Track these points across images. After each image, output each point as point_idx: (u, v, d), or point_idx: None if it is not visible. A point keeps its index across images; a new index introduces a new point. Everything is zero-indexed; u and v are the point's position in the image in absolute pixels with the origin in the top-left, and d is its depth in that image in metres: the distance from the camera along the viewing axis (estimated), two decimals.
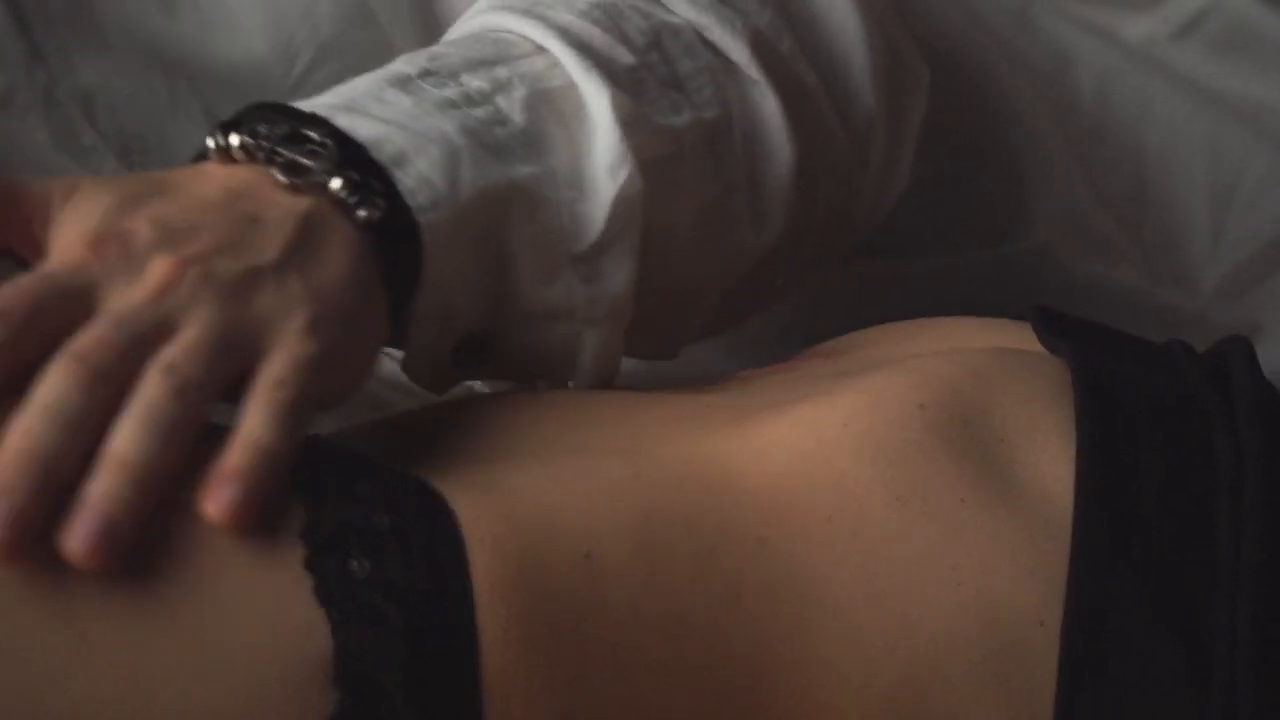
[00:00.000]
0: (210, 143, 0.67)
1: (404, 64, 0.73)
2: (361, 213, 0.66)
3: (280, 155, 0.66)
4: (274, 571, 0.55)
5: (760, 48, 0.80)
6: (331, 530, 0.56)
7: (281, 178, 0.66)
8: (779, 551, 0.61)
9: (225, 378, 0.60)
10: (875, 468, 0.62)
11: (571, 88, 0.74)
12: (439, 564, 0.56)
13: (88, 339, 0.58)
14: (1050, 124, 1.03)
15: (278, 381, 0.60)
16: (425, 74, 0.72)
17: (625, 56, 0.75)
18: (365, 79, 0.72)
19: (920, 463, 0.63)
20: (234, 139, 0.67)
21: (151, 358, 0.59)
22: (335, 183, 0.66)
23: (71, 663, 0.52)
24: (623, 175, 0.73)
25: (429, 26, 0.90)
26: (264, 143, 0.67)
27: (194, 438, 0.57)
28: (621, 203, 0.72)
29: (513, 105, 0.72)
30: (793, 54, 0.81)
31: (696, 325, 0.83)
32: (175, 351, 0.59)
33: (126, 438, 0.57)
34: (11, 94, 0.82)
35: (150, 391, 0.58)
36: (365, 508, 0.57)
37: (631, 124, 0.73)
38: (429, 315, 0.69)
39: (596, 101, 0.73)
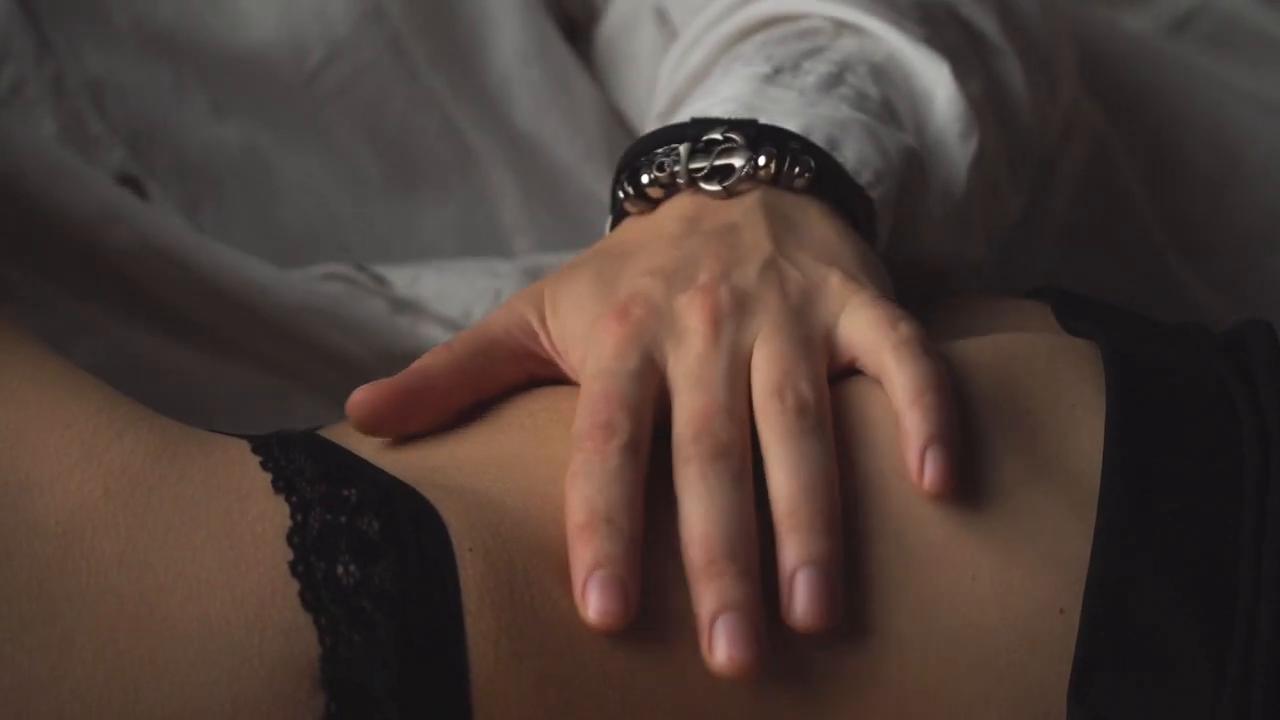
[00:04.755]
0: (620, 194, 0.68)
1: (747, 67, 0.73)
2: (798, 176, 0.67)
3: (698, 171, 0.67)
4: (259, 575, 0.55)
5: (1005, 18, 0.81)
6: (317, 534, 0.56)
7: (713, 187, 0.67)
8: None
9: (822, 365, 0.61)
10: (891, 459, 0.61)
11: (890, 59, 0.75)
12: (429, 570, 0.56)
13: (693, 417, 0.59)
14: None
15: (891, 321, 0.62)
16: (777, 71, 0.73)
17: (916, 29, 0.76)
18: (726, 83, 0.73)
19: None
20: (644, 178, 0.68)
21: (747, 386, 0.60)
22: (761, 160, 0.67)
23: (57, 666, 0.52)
24: (973, 143, 0.75)
25: (441, 27, 0.90)
26: (674, 169, 0.68)
27: (831, 443, 0.59)
28: (976, 167, 0.74)
29: (863, 82, 0.73)
30: (1025, 22, 0.83)
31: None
32: (772, 373, 0.60)
33: (788, 494, 0.58)
34: (21, 85, 0.82)
35: (780, 426, 0.59)
36: (353, 511, 0.56)
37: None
38: None
39: (935, 71, 0.75)
